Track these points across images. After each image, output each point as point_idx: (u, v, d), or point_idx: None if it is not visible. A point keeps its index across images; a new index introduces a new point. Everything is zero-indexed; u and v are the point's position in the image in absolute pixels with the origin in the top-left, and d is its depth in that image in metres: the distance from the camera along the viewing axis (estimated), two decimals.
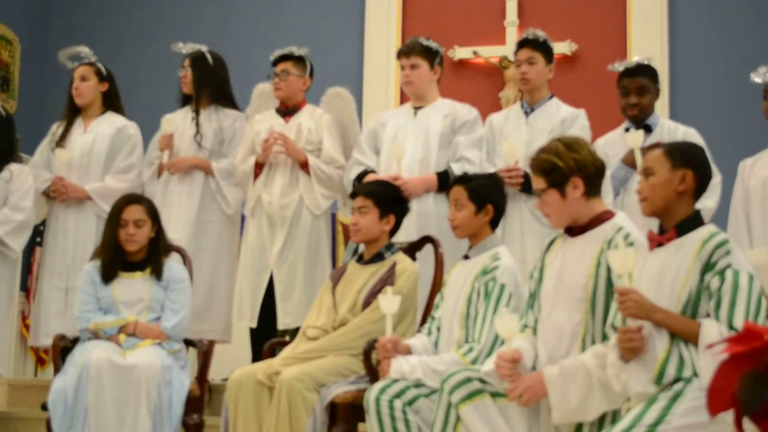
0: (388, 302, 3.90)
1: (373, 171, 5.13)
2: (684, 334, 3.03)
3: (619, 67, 5.15)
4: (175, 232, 5.31)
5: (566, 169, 3.48)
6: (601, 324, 3.37)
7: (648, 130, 5.01)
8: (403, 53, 5.23)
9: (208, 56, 5.64)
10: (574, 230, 3.55)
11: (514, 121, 5.15)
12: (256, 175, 5.34)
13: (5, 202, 5.18)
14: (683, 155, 3.25)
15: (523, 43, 5.15)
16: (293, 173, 5.30)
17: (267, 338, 4.79)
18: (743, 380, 1.76)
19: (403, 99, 5.62)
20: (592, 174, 3.51)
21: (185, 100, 5.73)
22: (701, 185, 3.25)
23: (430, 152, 5.12)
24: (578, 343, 3.39)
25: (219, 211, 5.56)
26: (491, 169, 4.88)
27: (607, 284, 3.37)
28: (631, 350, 3.05)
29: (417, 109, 5.26)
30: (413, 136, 5.15)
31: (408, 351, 3.95)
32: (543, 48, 5.12)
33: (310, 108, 5.48)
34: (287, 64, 5.43)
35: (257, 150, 5.36)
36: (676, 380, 3.00)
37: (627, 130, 5.05)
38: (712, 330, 2.96)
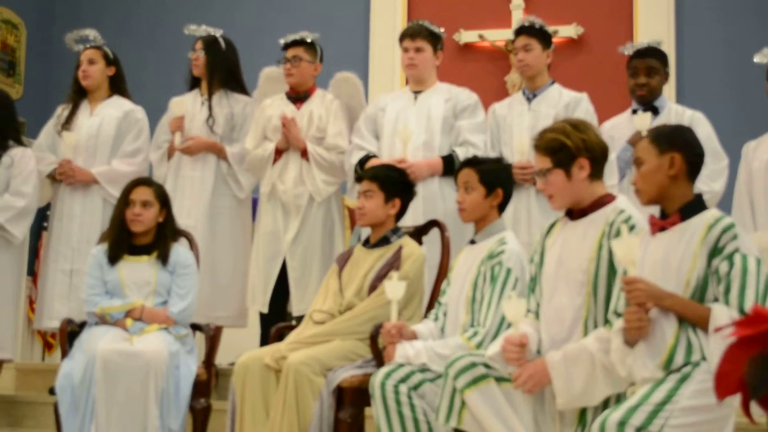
0: (394, 288, 3.90)
1: (374, 156, 5.13)
2: (694, 319, 3.02)
3: (629, 48, 5.16)
4: (188, 219, 5.33)
5: (574, 148, 3.47)
6: (603, 307, 3.36)
7: (655, 112, 5.02)
8: (408, 35, 5.21)
9: (221, 41, 5.63)
10: (574, 213, 3.54)
11: (517, 108, 5.18)
12: (275, 160, 5.33)
13: (7, 187, 5.17)
14: (668, 138, 3.24)
15: (519, 31, 5.21)
16: (304, 163, 5.30)
17: (276, 323, 4.80)
18: (751, 364, 1.76)
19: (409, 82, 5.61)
20: (598, 155, 3.50)
21: (194, 83, 5.73)
22: (693, 166, 3.23)
23: (433, 136, 5.12)
24: (580, 326, 3.39)
25: (231, 196, 5.57)
26: (495, 155, 4.91)
27: (609, 267, 3.37)
28: (638, 330, 3.05)
29: (416, 93, 5.26)
30: (415, 120, 5.15)
31: (414, 336, 3.95)
32: (539, 34, 5.15)
33: (321, 93, 5.47)
34: (299, 49, 5.41)
35: (269, 135, 5.35)
36: (684, 364, 3.00)
37: (634, 112, 5.06)
38: (722, 314, 2.95)
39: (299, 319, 4.99)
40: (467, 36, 7.62)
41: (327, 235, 5.31)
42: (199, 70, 5.66)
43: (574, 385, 3.28)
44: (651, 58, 5.07)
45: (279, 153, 5.34)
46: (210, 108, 5.56)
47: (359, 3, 7.81)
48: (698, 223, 3.13)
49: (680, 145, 3.22)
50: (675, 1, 7.29)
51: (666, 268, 3.12)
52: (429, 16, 5.62)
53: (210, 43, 5.63)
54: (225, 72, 5.63)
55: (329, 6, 7.81)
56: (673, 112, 5.06)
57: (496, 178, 4.08)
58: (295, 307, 5.23)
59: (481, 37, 7.60)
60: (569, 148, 3.47)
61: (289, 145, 5.29)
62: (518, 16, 7.46)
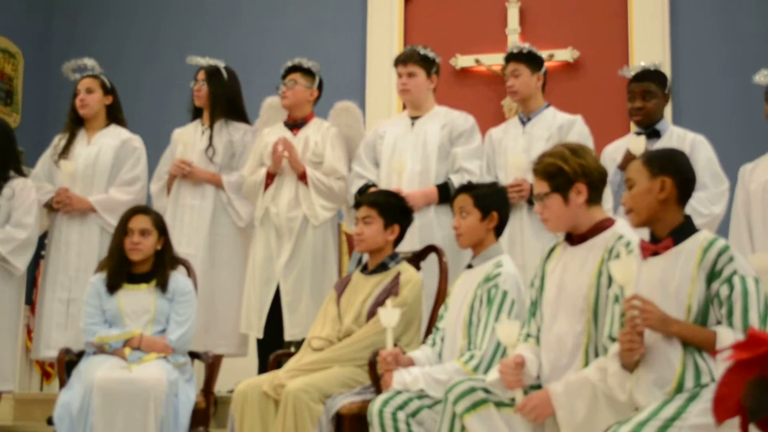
0: (388, 315, 3.90)
1: (374, 185, 5.13)
2: (700, 344, 3.01)
3: (627, 72, 5.17)
4: (188, 247, 5.34)
5: (572, 173, 3.48)
6: (603, 334, 3.35)
7: (656, 135, 5.01)
8: (400, 61, 5.25)
9: (223, 71, 5.65)
10: (574, 238, 3.54)
11: (512, 132, 5.22)
12: (267, 186, 5.34)
13: (8, 218, 5.17)
14: (661, 162, 3.23)
15: (507, 58, 5.25)
16: (300, 186, 5.31)
17: (274, 349, 4.79)
18: (749, 387, 1.76)
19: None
20: (595, 181, 3.51)
21: (196, 113, 5.74)
22: (684, 190, 3.23)
23: (429, 165, 5.13)
24: (581, 353, 3.39)
25: (231, 224, 5.57)
26: (490, 180, 4.93)
27: (609, 294, 3.36)
28: (630, 351, 3.04)
29: (414, 119, 5.28)
30: (412, 148, 5.17)
31: (410, 363, 3.94)
32: (526, 59, 5.18)
33: (318, 121, 5.50)
34: (296, 74, 5.45)
35: (266, 162, 5.36)
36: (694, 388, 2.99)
37: (637, 134, 5.05)
38: (728, 337, 2.95)
39: (297, 345, 4.98)
40: (463, 61, 7.63)
41: (320, 259, 5.30)
42: (201, 101, 5.67)
43: (577, 415, 3.27)
44: (647, 81, 5.06)
45: (271, 178, 5.34)
46: (210, 138, 5.57)
47: (355, 29, 7.82)
48: (691, 246, 3.12)
49: (672, 170, 3.21)
50: (670, 23, 7.31)
51: (664, 293, 3.11)
52: (425, 42, 5.63)
53: (212, 73, 5.65)
54: (227, 102, 5.64)
55: (326, 33, 7.82)
56: (674, 135, 5.05)
57: (490, 202, 4.09)
58: (287, 332, 5.21)
59: (477, 61, 7.62)
60: (567, 173, 3.48)
61: (280, 169, 5.29)
62: (514, 41, 7.47)
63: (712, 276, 3.06)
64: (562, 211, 3.50)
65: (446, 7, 7.76)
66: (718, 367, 2.96)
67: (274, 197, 5.32)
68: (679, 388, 3.00)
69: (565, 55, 7.39)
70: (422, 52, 5.24)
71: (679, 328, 3.03)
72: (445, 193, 4.97)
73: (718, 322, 3.04)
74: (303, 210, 5.27)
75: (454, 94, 7.04)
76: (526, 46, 5.24)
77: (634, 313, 3.03)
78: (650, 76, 5.08)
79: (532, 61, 5.19)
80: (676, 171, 3.22)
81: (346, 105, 5.59)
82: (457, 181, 4.98)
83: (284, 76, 5.48)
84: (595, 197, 3.51)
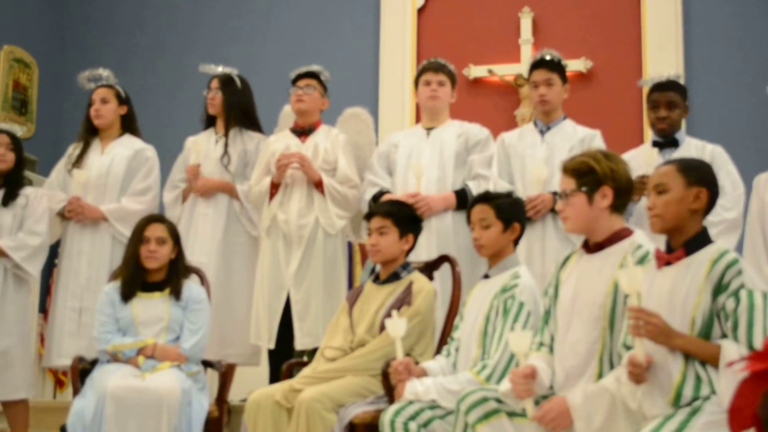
0: (395, 326, 3.89)
1: (388, 191, 5.14)
2: (704, 358, 3.00)
3: (649, 82, 5.15)
4: (201, 256, 5.33)
5: (601, 174, 3.47)
6: (618, 342, 3.35)
7: (674, 145, 5.01)
8: (432, 69, 5.25)
9: (237, 80, 5.66)
10: (591, 247, 3.54)
11: (529, 139, 5.17)
12: (272, 195, 5.34)
13: (21, 226, 5.21)
14: (698, 173, 3.24)
15: (539, 64, 5.18)
16: (310, 194, 5.30)
17: (285, 359, 4.78)
18: (764, 398, 1.75)
19: (419, 120, 5.64)
20: (623, 188, 3.50)
21: (209, 121, 5.76)
22: (712, 204, 3.24)
23: (446, 172, 5.14)
24: (595, 360, 3.38)
25: (245, 233, 5.57)
26: (506, 185, 4.92)
27: (626, 302, 3.36)
28: (636, 379, 3.06)
29: (428, 129, 5.28)
30: (428, 155, 5.17)
31: (423, 373, 3.94)
32: (559, 68, 5.14)
33: (326, 128, 5.49)
34: (312, 80, 5.45)
35: (273, 170, 5.37)
36: (694, 399, 2.98)
37: (655, 144, 5.04)
38: (732, 351, 2.94)
39: (310, 354, 4.97)
40: (476, 71, 7.65)
41: (330, 266, 5.28)
42: (215, 109, 5.68)
43: (594, 424, 3.26)
44: (671, 91, 5.04)
45: (276, 187, 5.33)
46: (225, 146, 5.58)
47: (368, 42, 7.84)
48: (703, 257, 3.12)
49: (707, 183, 3.22)
50: (684, 33, 7.31)
51: (671, 303, 3.11)
52: (438, 52, 5.64)
53: (226, 82, 5.66)
54: (240, 111, 5.65)
55: (338, 43, 7.85)
56: (692, 146, 5.03)
57: (512, 213, 4.08)
58: (298, 341, 5.19)
59: (490, 72, 7.63)
60: (596, 173, 3.48)
61: (284, 179, 5.29)
62: (527, 51, 7.49)
63: (719, 289, 3.05)
64: (584, 212, 3.49)
65: (459, 17, 7.78)
66: (720, 378, 2.95)
67: (283, 204, 5.30)
68: (677, 397, 2.99)
69: (578, 65, 7.40)
70: (449, 66, 5.26)
71: (683, 342, 3.03)
72: (463, 199, 4.98)
73: (724, 336, 3.03)
74: (315, 217, 5.25)
75: (467, 105, 7.05)
76: (557, 54, 5.21)
77: (640, 323, 3.03)
78: (673, 87, 5.06)
79: (563, 71, 5.18)
80: (710, 183, 3.23)
81: (355, 111, 5.59)
82: (474, 187, 4.99)
83: (295, 81, 5.47)
84: (618, 205, 3.50)
